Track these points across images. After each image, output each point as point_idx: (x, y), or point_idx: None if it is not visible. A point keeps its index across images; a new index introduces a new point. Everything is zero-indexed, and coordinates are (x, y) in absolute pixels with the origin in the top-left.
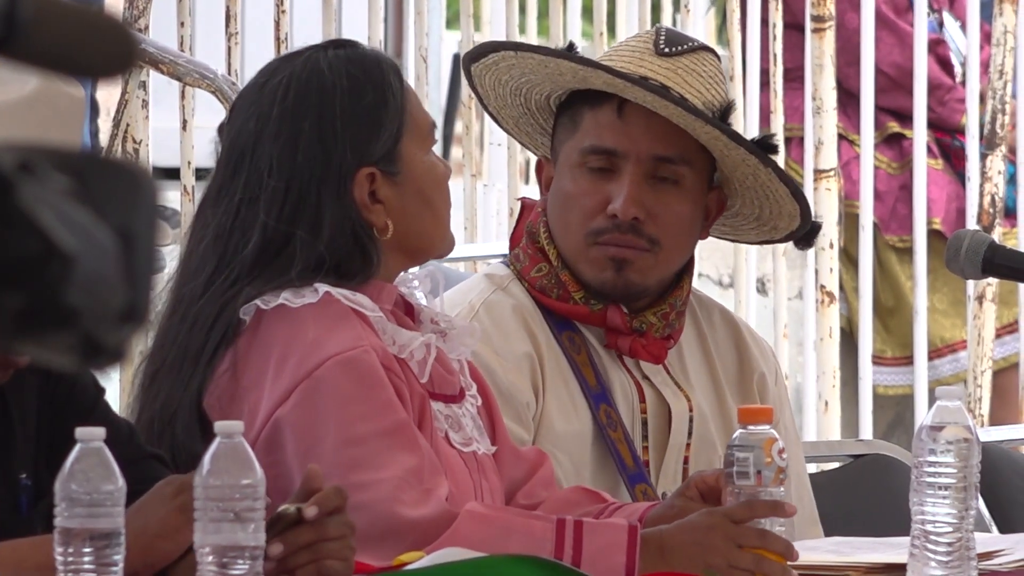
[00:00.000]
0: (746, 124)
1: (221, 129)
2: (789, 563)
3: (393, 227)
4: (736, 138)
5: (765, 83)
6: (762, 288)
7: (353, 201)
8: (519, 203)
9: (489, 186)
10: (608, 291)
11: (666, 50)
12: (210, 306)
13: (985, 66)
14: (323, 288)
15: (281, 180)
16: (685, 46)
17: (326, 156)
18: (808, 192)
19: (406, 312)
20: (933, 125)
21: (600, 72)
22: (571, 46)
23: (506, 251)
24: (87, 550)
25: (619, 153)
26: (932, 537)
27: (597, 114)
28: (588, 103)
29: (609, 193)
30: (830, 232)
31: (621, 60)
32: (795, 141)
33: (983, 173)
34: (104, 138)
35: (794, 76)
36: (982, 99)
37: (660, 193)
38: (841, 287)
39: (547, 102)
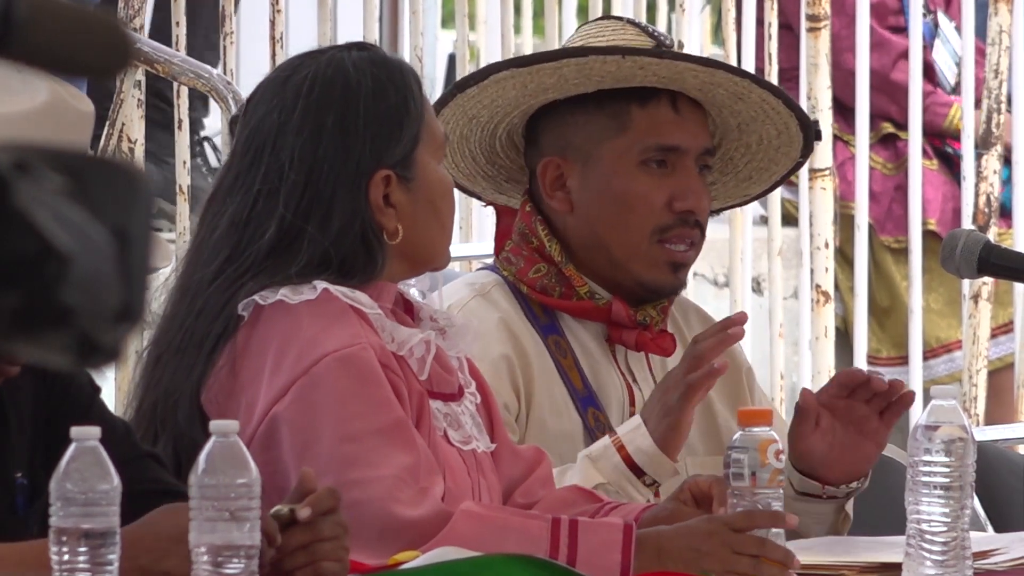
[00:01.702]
0: None
1: (234, 121)
2: (790, 571)
3: (402, 232)
4: (792, 105)
5: None
6: (757, 288)
7: (367, 201)
8: (493, 208)
9: None
10: (662, 291)
11: (667, 42)
12: (218, 296)
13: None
14: (322, 285)
15: (301, 174)
16: (671, 38)
17: (346, 153)
18: (803, 192)
19: (405, 310)
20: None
21: (686, 64)
22: (660, 45)
23: None
24: (82, 549)
25: (680, 149)
26: (927, 536)
27: (651, 111)
28: (635, 100)
29: (670, 189)
30: (825, 232)
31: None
32: None
33: (978, 173)
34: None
35: (789, 76)
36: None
37: (702, 183)
38: (836, 287)
39: (517, 126)
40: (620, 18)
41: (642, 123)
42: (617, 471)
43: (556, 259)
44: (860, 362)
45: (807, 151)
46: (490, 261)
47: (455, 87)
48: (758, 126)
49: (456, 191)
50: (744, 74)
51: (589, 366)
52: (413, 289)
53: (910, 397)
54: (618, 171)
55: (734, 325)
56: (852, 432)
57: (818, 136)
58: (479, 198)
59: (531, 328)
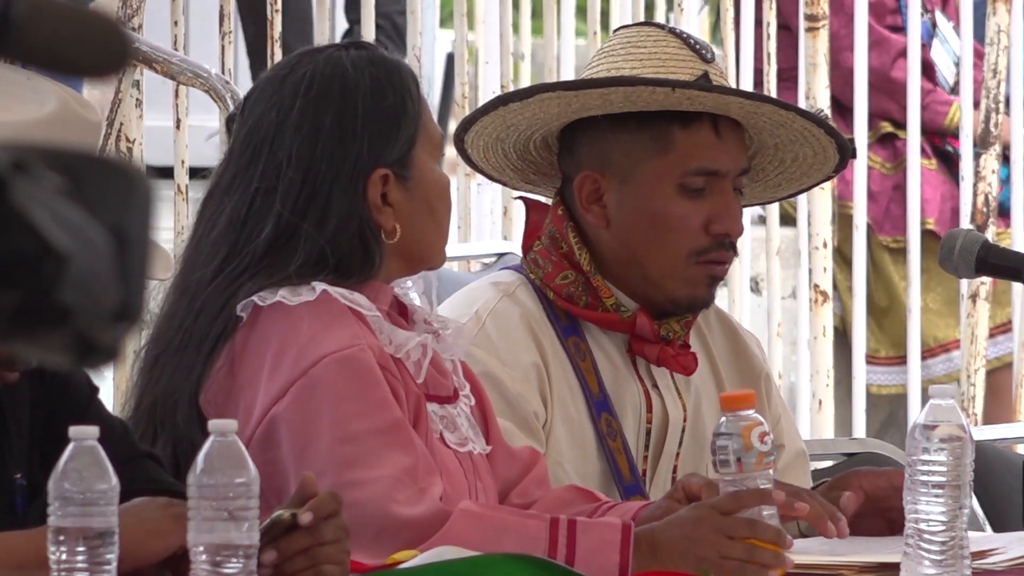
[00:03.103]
0: None
1: (231, 120)
2: (783, 551)
3: (400, 231)
4: (832, 132)
5: (759, 83)
6: (756, 287)
7: (365, 200)
8: (522, 202)
9: (483, 185)
10: (697, 307)
11: (709, 56)
12: (217, 296)
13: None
14: (320, 286)
15: (299, 172)
16: (712, 48)
17: (344, 152)
18: None
19: (400, 312)
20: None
21: (728, 97)
22: (707, 75)
23: (499, 250)
24: (80, 549)
25: (720, 173)
26: (926, 536)
27: (693, 134)
28: (678, 122)
29: (707, 212)
30: (824, 231)
31: (676, 71)
32: None
33: (977, 172)
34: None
35: (787, 76)
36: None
37: (738, 204)
38: (835, 286)
39: (553, 134)
40: (661, 26)
41: (684, 146)
42: None
43: (585, 268)
44: (859, 362)
45: (841, 167)
46: (488, 261)
47: (498, 101)
48: (796, 147)
49: (453, 191)
50: (789, 107)
51: (608, 370)
52: (412, 292)
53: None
54: (657, 192)
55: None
56: (878, 519)
57: (853, 154)
58: (502, 183)
59: (552, 329)
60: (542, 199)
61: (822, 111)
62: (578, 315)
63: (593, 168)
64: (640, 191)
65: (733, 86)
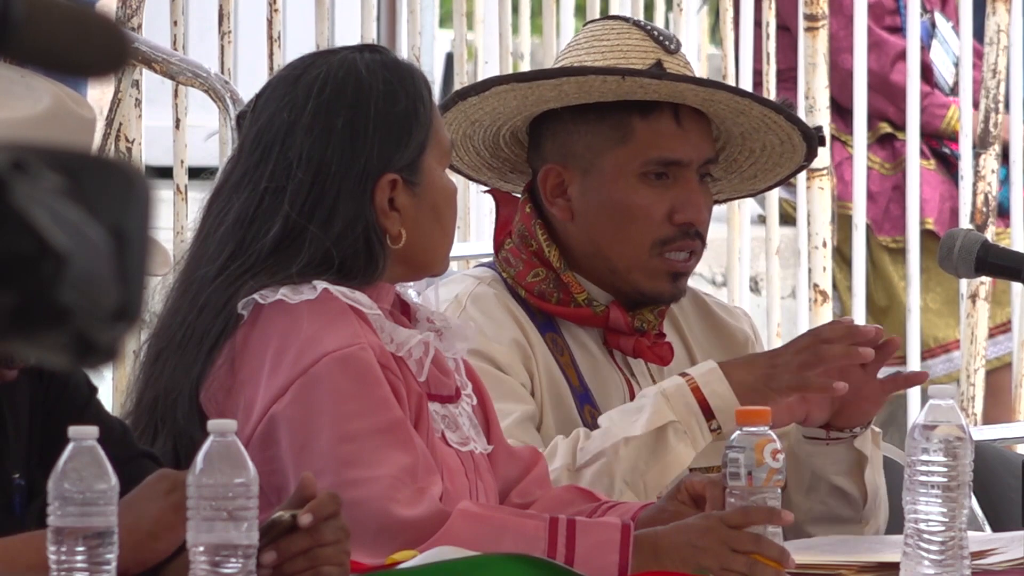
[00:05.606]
0: None
1: (241, 117)
2: (784, 569)
3: (405, 237)
4: (794, 119)
5: (758, 83)
6: (755, 287)
7: (373, 204)
8: (492, 196)
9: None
10: (662, 300)
11: (672, 47)
12: (220, 293)
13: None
14: (322, 285)
15: (308, 173)
16: (677, 39)
17: (354, 155)
18: (801, 191)
19: (403, 311)
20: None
21: (686, 84)
22: (660, 63)
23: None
24: (80, 549)
25: (682, 162)
26: (925, 536)
27: (653, 123)
28: (637, 111)
29: (671, 201)
30: (823, 231)
31: (637, 62)
32: None
33: (976, 172)
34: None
35: (786, 76)
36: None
37: (704, 193)
38: (834, 286)
39: (521, 126)
40: (626, 19)
41: (644, 135)
42: (688, 410)
43: (555, 265)
44: None
45: (811, 155)
46: (489, 261)
47: (456, 95)
48: (761, 135)
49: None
50: (744, 93)
51: (587, 364)
52: (411, 290)
53: (893, 346)
54: (618, 183)
55: (865, 341)
56: (850, 395)
57: (822, 142)
58: (482, 183)
59: (530, 323)
60: (515, 193)
61: (787, 100)
62: (551, 312)
63: (556, 161)
64: (602, 182)
65: (691, 70)
